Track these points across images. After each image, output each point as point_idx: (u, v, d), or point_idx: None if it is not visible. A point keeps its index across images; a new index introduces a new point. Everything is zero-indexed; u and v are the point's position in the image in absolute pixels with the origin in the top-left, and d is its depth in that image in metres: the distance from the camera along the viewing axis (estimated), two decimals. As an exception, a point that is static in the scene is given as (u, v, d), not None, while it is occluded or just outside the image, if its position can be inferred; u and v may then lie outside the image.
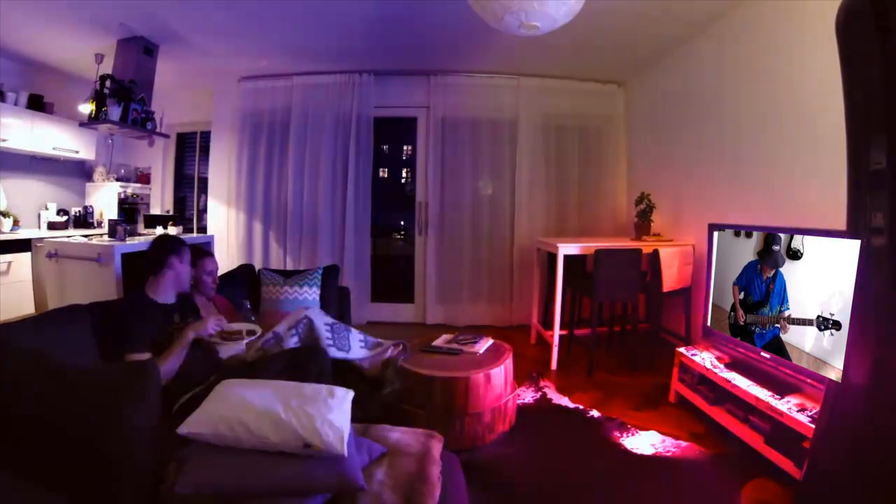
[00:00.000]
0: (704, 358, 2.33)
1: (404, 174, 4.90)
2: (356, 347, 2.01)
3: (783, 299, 1.98)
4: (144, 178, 4.92)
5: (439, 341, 2.36)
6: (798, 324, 1.89)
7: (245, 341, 1.78)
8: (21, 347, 1.14)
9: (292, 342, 1.87)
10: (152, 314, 1.70)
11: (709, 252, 2.46)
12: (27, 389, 0.97)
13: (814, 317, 1.81)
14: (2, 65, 3.74)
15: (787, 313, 1.96)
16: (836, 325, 1.69)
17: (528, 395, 2.59)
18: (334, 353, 1.88)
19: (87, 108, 3.35)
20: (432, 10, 2.96)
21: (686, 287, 3.06)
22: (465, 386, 1.95)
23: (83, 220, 4.38)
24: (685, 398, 2.38)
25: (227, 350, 1.78)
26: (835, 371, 1.66)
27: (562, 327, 3.09)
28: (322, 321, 1.98)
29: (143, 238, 3.03)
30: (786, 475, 1.69)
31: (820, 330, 1.77)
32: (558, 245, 3.02)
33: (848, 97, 1.50)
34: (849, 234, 1.58)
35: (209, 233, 4.31)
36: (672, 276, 2.95)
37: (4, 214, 3.76)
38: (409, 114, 4.33)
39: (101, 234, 3.43)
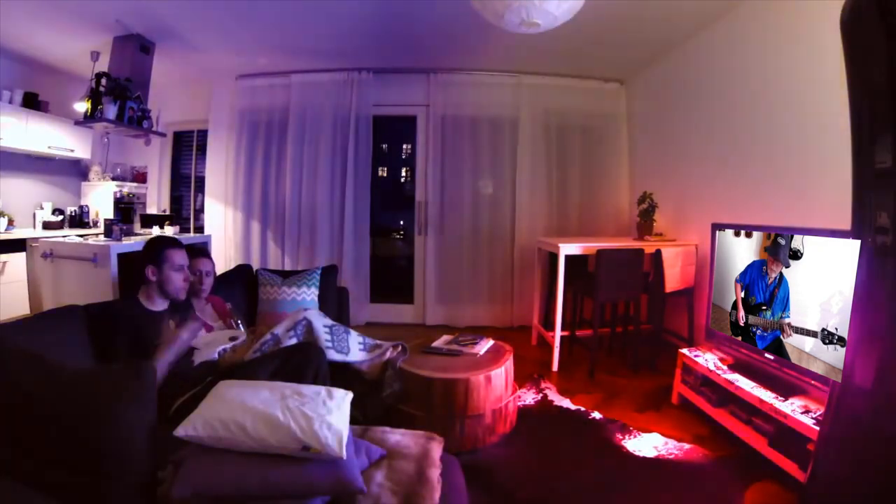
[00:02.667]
0: (707, 359, 2.31)
1: (404, 173, 4.88)
2: (355, 350, 1.99)
3: (786, 306, 1.96)
4: (141, 178, 4.89)
5: (439, 342, 2.34)
6: (802, 333, 1.86)
7: (220, 348, 1.68)
8: (16, 348, 1.11)
9: (290, 344, 1.84)
10: (144, 324, 1.63)
11: (712, 252, 2.45)
12: (22, 390, 0.95)
13: (814, 321, 1.79)
14: (-3, 62, 3.71)
15: (787, 320, 1.94)
16: (842, 342, 1.66)
17: (528, 397, 2.57)
18: (333, 355, 1.85)
19: (82, 107, 3.33)
20: (432, 8, 2.94)
21: (689, 287, 3.04)
22: (465, 387, 1.93)
23: (79, 219, 4.34)
24: (688, 400, 2.36)
25: (200, 355, 1.66)
26: (836, 372, 1.65)
27: (563, 328, 3.07)
28: (321, 323, 1.95)
29: (139, 238, 3.01)
30: (790, 478, 1.67)
31: (824, 343, 1.74)
32: (559, 245, 3.00)
33: (853, 96, 1.48)
34: (853, 233, 1.56)
35: (206, 232, 4.28)
36: (675, 276, 2.93)
37: (-1, 214, 3.73)
38: (409, 112, 4.31)
39: (97, 234, 3.41)
